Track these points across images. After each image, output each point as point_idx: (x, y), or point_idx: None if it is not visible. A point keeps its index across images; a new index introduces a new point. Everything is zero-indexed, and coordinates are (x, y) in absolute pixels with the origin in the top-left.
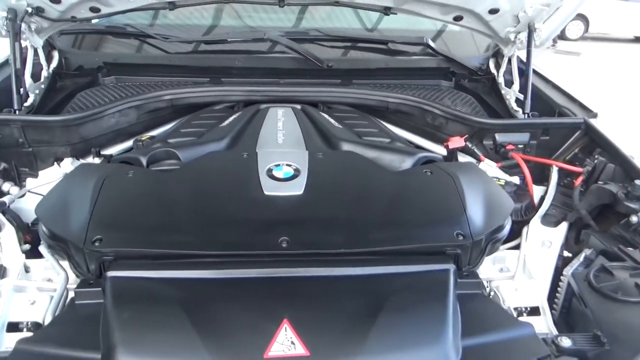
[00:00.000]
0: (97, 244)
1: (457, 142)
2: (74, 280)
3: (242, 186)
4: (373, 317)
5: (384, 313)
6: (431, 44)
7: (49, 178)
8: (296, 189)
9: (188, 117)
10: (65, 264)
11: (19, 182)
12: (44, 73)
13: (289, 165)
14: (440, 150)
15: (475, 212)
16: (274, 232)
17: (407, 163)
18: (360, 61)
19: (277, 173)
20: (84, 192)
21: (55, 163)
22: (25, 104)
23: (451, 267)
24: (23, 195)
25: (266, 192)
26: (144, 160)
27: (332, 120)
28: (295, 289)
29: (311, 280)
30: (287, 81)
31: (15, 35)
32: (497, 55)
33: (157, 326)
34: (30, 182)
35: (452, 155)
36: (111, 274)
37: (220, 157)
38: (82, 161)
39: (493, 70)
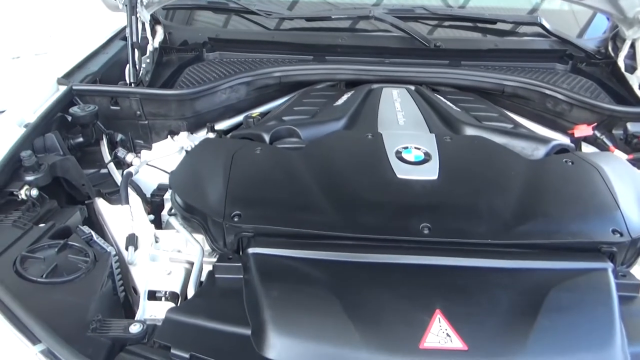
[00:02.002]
0: (236, 219)
1: (583, 130)
2: (206, 253)
3: (374, 168)
4: (532, 316)
5: (544, 312)
6: (545, 24)
7: (163, 151)
8: (430, 173)
9: (299, 95)
10: (199, 236)
11: (135, 153)
12: (150, 47)
13: (418, 149)
14: (561, 139)
15: (630, 207)
16: (414, 218)
17: (540, 151)
18: (469, 41)
19: (407, 156)
20: (216, 166)
21: (169, 136)
22: None
23: (609, 266)
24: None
25: (399, 175)
26: (266, 137)
27: (448, 103)
28: (445, 279)
29: (460, 271)
30: (392, 61)
31: (132, 8)
32: (616, 37)
33: (308, 307)
34: (145, 154)
35: (576, 145)
36: (253, 250)
37: (346, 136)
38: (196, 135)
39: (612, 54)
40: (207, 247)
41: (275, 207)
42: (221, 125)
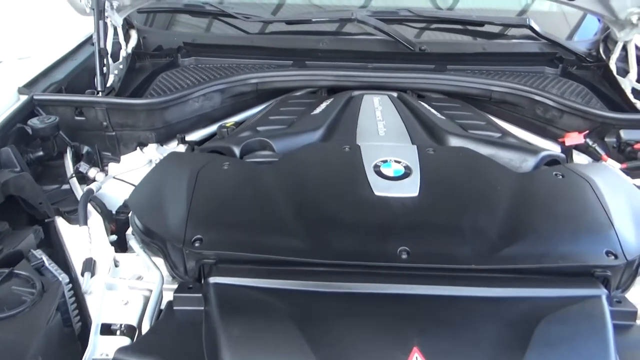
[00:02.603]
0: (197, 244)
1: (575, 138)
2: (167, 279)
3: (349, 184)
4: (521, 350)
5: (533, 346)
6: (534, 26)
7: (131, 164)
8: (410, 189)
9: (275, 103)
10: (160, 261)
11: (102, 166)
12: (123, 53)
13: (398, 162)
14: (551, 147)
15: (625, 225)
16: (391, 241)
17: (529, 163)
18: (455, 45)
19: (386, 170)
20: (179, 185)
21: (138, 148)
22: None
23: (603, 292)
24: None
25: (377, 193)
26: (237, 151)
27: (433, 110)
28: (424, 310)
29: (441, 301)
30: (375, 65)
31: (100, 12)
32: (607, 39)
33: (272, 349)
34: (112, 167)
35: (566, 153)
36: (214, 280)
37: (320, 149)
38: (166, 147)
39: (603, 57)
40: (167, 273)
41: (240, 231)
42: (194, 136)
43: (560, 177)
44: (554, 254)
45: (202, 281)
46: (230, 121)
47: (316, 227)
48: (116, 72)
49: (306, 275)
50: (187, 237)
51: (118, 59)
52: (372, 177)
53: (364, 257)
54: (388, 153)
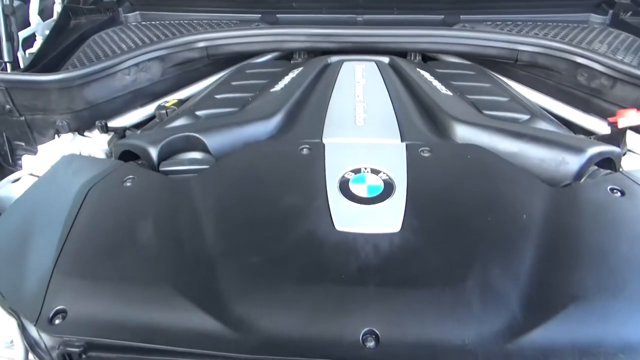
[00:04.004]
0: (57, 321)
1: (632, 117)
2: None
3: (300, 213)
4: None
5: None
6: None
7: (52, 156)
8: (389, 221)
9: (227, 75)
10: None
11: (14, 159)
12: (56, 7)
13: (376, 173)
14: (597, 125)
15: None
16: (353, 318)
17: (569, 166)
18: None
19: (357, 188)
20: (53, 217)
21: (57, 136)
22: (31, 50)
23: None
24: (17, 180)
25: (339, 227)
26: (153, 153)
27: (435, 82)
28: None
29: None
30: (366, 18)
31: None
32: None
33: None
34: (26, 160)
35: (618, 139)
36: None
37: (268, 152)
38: (88, 137)
39: None
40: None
41: (126, 300)
42: (128, 119)
43: (619, 194)
44: (615, 334)
45: None
46: (173, 99)
47: (238, 297)
48: (47, 32)
49: None
50: (44, 309)
51: (52, 16)
52: (334, 200)
53: (309, 348)
54: (364, 157)
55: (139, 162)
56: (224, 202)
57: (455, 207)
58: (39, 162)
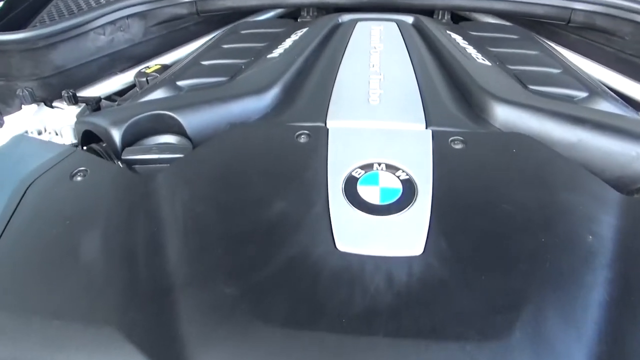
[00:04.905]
0: None
1: None
2: None
3: (287, 229)
4: None
5: None
6: None
7: (21, 128)
8: (407, 240)
9: (218, 37)
10: None
11: None
12: None
13: (393, 170)
14: None
15: None
16: None
17: None
18: None
19: (366, 191)
20: None
21: (24, 106)
22: None
23: None
24: None
25: (340, 247)
26: (116, 136)
27: (470, 48)
28: None
29: None
30: None
31: None
32: None
33: None
34: None
35: None
36: None
37: (252, 142)
38: (56, 108)
39: None
40: None
41: (54, 340)
42: (102, 88)
43: None
44: None
45: None
46: (156, 65)
47: (200, 346)
48: None
49: None
50: None
51: None
52: (337, 207)
53: None
54: (377, 148)
55: (103, 145)
56: (195, 210)
57: (498, 221)
58: (6, 134)
